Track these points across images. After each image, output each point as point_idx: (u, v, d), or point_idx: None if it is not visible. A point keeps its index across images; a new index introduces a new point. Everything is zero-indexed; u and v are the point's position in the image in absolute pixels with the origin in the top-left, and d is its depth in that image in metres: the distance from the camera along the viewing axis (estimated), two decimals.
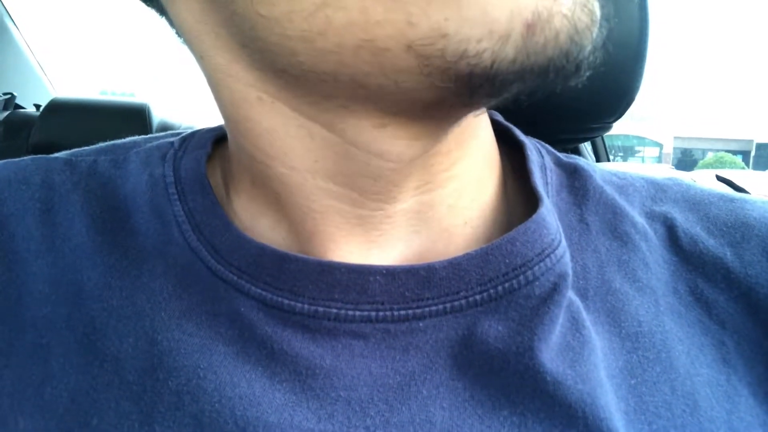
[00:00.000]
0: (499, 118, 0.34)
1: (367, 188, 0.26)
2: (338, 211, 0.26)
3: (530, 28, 0.20)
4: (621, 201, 0.31)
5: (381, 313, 0.25)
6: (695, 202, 0.32)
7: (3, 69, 1.49)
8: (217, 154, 0.32)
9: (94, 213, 0.29)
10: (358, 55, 0.21)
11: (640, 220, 0.31)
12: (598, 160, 1.15)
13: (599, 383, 0.25)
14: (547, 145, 0.34)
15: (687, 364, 0.27)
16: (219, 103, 0.27)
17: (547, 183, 0.31)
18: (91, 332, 0.26)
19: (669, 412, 0.26)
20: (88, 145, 0.34)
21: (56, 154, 0.32)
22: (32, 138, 1.19)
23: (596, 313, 0.28)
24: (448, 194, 0.28)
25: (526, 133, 0.34)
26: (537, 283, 0.26)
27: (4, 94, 1.40)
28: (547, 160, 0.33)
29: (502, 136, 0.33)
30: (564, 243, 0.27)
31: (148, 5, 0.28)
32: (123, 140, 0.34)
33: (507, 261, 0.26)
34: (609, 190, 0.32)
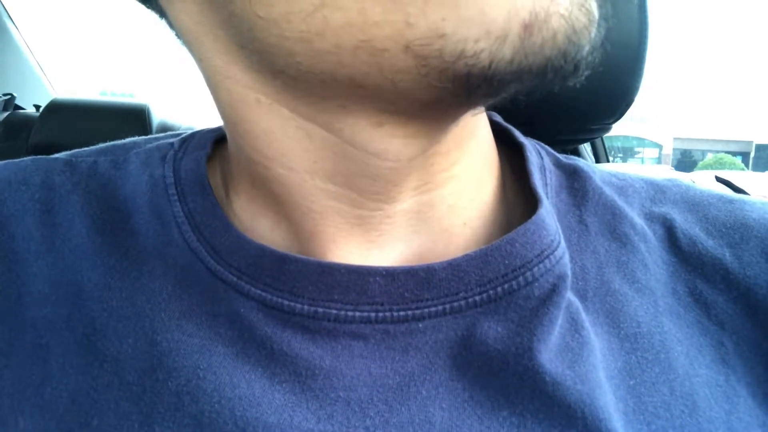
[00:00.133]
0: (499, 119, 0.34)
1: (366, 188, 0.26)
2: (338, 212, 0.26)
3: (527, 28, 0.20)
4: (620, 202, 0.31)
5: (380, 314, 0.26)
6: (694, 203, 0.32)
7: (2, 69, 1.49)
8: (217, 155, 0.32)
9: (94, 214, 0.29)
10: (356, 55, 0.21)
11: (640, 221, 0.31)
12: (597, 161, 1.15)
13: (598, 384, 0.25)
14: (546, 146, 0.34)
15: (686, 365, 0.27)
16: (218, 104, 0.27)
17: (546, 184, 0.31)
18: (91, 333, 0.26)
19: (668, 413, 0.26)
20: (88, 146, 0.34)
21: (56, 155, 0.32)
22: (32, 139, 1.18)
23: (595, 314, 0.28)
24: (447, 194, 0.28)
25: (526, 133, 0.34)
26: (536, 284, 0.26)
27: (4, 94, 1.40)
28: (547, 161, 0.33)
29: (502, 137, 0.33)
30: (563, 244, 0.27)
31: (147, 7, 0.28)
32: (123, 141, 0.34)
33: (506, 262, 0.26)
34: (608, 191, 0.32)
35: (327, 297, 0.26)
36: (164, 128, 1.22)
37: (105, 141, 0.34)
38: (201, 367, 0.25)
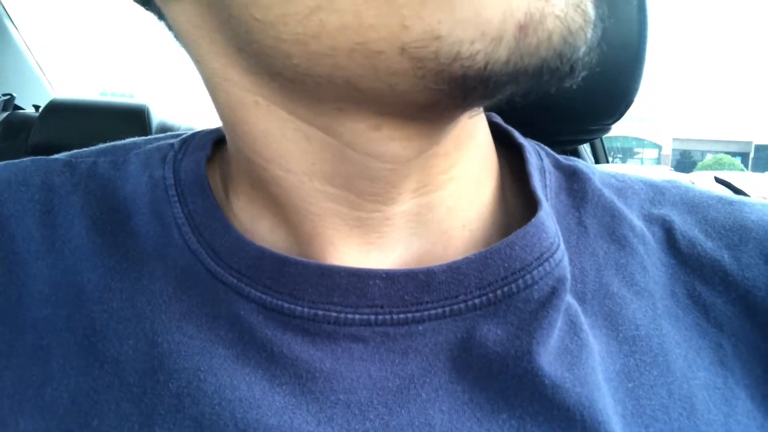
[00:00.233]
0: (498, 120, 0.34)
1: (365, 190, 0.26)
2: (336, 214, 0.26)
3: (522, 29, 0.20)
4: (619, 204, 0.31)
5: (380, 317, 0.26)
6: (693, 205, 0.32)
7: (2, 70, 1.49)
8: (217, 156, 0.32)
9: (94, 215, 0.29)
10: (352, 57, 0.21)
11: (639, 223, 0.31)
12: (597, 161, 1.15)
13: (597, 386, 0.25)
14: (546, 147, 0.34)
15: (684, 368, 0.27)
16: (216, 106, 0.27)
17: (545, 186, 0.31)
18: (91, 334, 0.26)
19: (666, 416, 0.26)
20: (87, 146, 0.34)
21: (56, 156, 0.32)
22: (31, 139, 1.18)
23: (594, 317, 0.28)
24: (446, 196, 0.28)
25: (525, 134, 0.34)
26: (536, 287, 0.26)
27: (3, 95, 1.39)
28: (546, 162, 0.33)
29: (501, 138, 0.33)
30: (562, 247, 0.27)
31: (146, 8, 0.28)
32: (123, 141, 0.34)
33: (506, 265, 0.26)
34: (608, 193, 0.32)
35: (327, 299, 0.26)
36: (164, 128, 1.22)
37: (104, 141, 0.34)
38: (201, 369, 0.25)
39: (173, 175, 0.30)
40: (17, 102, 1.44)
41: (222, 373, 0.25)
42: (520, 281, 0.26)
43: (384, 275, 0.26)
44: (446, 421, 0.25)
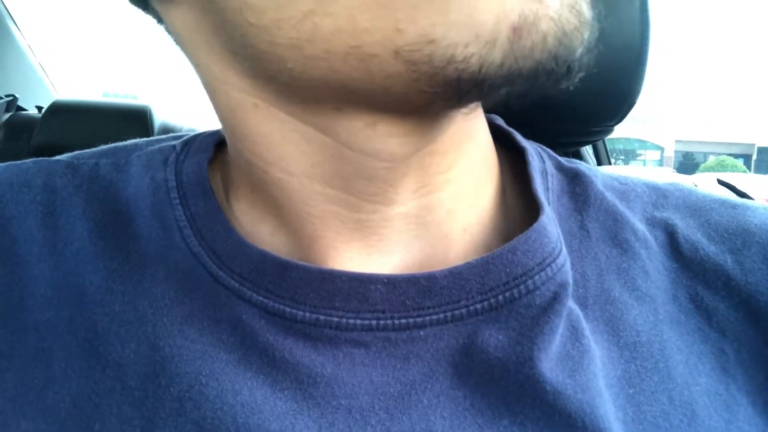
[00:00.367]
0: (500, 122, 0.34)
1: (363, 190, 0.26)
2: (337, 216, 0.26)
3: (516, 31, 0.20)
4: (622, 207, 0.31)
5: (382, 322, 0.25)
6: (696, 208, 0.32)
7: (5, 71, 1.49)
8: (218, 158, 0.32)
9: (95, 217, 0.29)
10: (346, 61, 0.21)
11: (641, 226, 0.31)
12: (599, 163, 1.15)
13: (598, 392, 0.25)
14: (548, 150, 0.34)
15: (685, 374, 0.27)
16: (216, 109, 0.27)
17: (548, 188, 0.31)
18: (93, 337, 0.26)
19: (667, 422, 0.25)
20: (90, 147, 0.34)
21: (58, 157, 0.32)
22: (34, 140, 1.19)
23: (595, 322, 0.28)
24: (446, 198, 0.28)
25: (527, 136, 0.33)
26: (537, 292, 0.26)
27: (6, 96, 1.40)
28: (549, 164, 0.32)
29: (503, 140, 0.33)
30: (564, 252, 0.27)
31: (145, 12, 0.28)
32: (124, 143, 0.34)
33: (508, 270, 0.26)
34: (610, 196, 0.32)
35: (328, 304, 0.26)
36: (166, 129, 1.22)
37: (107, 142, 0.34)
38: (203, 373, 0.25)
39: (175, 178, 0.30)
40: (20, 103, 1.44)
41: (223, 378, 0.25)
42: (522, 286, 0.26)
43: (385, 280, 0.26)
44: (447, 427, 0.24)
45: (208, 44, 0.25)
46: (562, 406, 0.24)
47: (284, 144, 0.25)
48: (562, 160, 0.34)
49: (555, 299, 0.26)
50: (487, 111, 0.34)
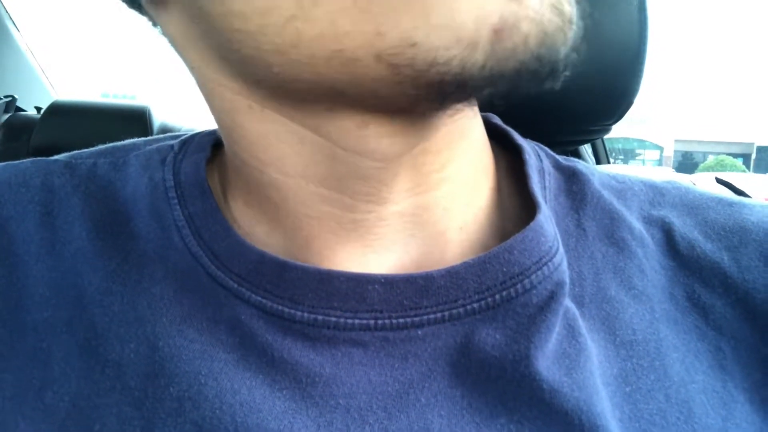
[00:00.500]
0: (497, 121, 0.34)
1: (358, 190, 0.26)
2: (332, 216, 0.27)
3: (497, 33, 0.19)
4: (619, 206, 0.31)
5: (380, 321, 0.26)
6: (693, 206, 0.32)
7: (4, 71, 1.49)
8: (216, 158, 0.32)
9: (94, 216, 0.29)
10: (330, 65, 0.21)
11: (638, 225, 0.31)
12: (598, 162, 1.15)
13: (595, 391, 0.25)
14: (545, 148, 0.34)
15: (682, 372, 0.27)
16: (212, 110, 0.27)
17: (545, 187, 0.31)
18: (92, 337, 0.26)
19: (663, 420, 0.25)
20: (89, 148, 0.34)
21: (56, 157, 0.32)
22: (33, 141, 1.18)
23: (592, 321, 0.28)
24: (441, 197, 0.28)
25: (524, 135, 0.33)
26: (534, 291, 0.26)
27: (5, 96, 1.40)
28: (546, 163, 0.32)
29: (500, 139, 0.33)
30: (561, 251, 0.27)
31: (141, 14, 0.28)
32: (123, 142, 0.34)
33: (504, 270, 0.26)
34: (607, 194, 0.32)
35: (326, 304, 0.26)
36: (165, 130, 1.22)
37: (106, 143, 0.34)
38: (202, 373, 0.25)
39: (173, 177, 0.30)
40: (19, 104, 1.44)
41: (222, 378, 0.25)
42: (519, 286, 0.26)
43: (383, 280, 0.26)
44: (445, 426, 0.25)
45: (199, 48, 0.25)
46: (559, 405, 0.24)
47: (279, 145, 0.25)
48: (560, 158, 0.34)
49: (552, 298, 0.26)
50: (484, 110, 0.34)
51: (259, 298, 0.26)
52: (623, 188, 0.33)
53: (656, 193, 0.33)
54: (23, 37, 1.56)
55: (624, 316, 0.28)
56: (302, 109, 0.24)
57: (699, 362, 0.27)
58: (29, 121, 1.30)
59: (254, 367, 0.25)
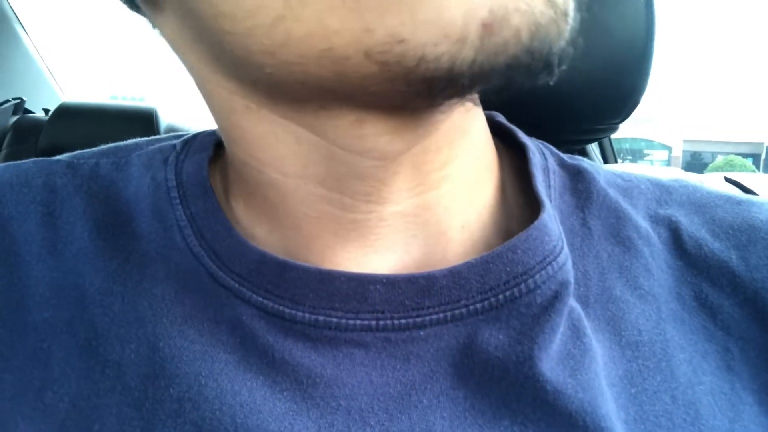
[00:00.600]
0: (502, 119, 0.34)
1: (357, 189, 0.26)
2: (332, 216, 0.26)
3: (487, 28, 0.19)
4: (625, 204, 0.31)
5: (381, 322, 0.25)
6: (701, 205, 0.31)
7: (12, 74, 1.50)
8: (218, 158, 0.32)
9: (96, 216, 0.29)
10: (321, 64, 0.21)
11: (644, 224, 0.30)
12: (606, 162, 1.14)
13: (600, 392, 0.25)
14: (551, 147, 0.34)
15: (689, 373, 0.26)
16: (211, 111, 0.27)
17: (549, 186, 0.30)
18: (92, 337, 0.26)
19: (670, 422, 0.25)
20: None
21: (58, 157, 0.32)
22: (41, 142, 1.19)
23: (597, 321, 0.27)
24: (442, 196, 0.27)
25: (530, 134, 0.33)
26: (538, 291, 0.25)
27: (14, 98, 1.41)
28: (551, 162, 0.32)
29: (504, 137, 0.33)
30: (566, 250, 0.27)
31: (142, 15, 0.28)
32: (125, 142, 0.34)
33: (508, 269, 0.26)
34: (613, 193, 0.31)
35: (328, 305, 0.25)
36: (172, 132, 1.22)
37: None
38: (202, 373, 0.25)
39: (175, 177, 0.30)
40: (27, 106, 1.45)
41: (223, 378, 0.25)
42: (522, 285, 0.25)
43: (384, 280, 0.25)
44: (447, 428, 0.24)
45: (195, 50, 0.25)
46: (563, 406, 0.24)
47: (277, 145, 0.25)
48: (565, 156, 0.33)
49: (556, 298, 0.26)
50: (489, 108, 0.33)
51: (260, 299, 0.26)
52: (629, 186, 0.32)
53: (663, 191, 0.32)
54: (31, 40, 1.57)
55: (630, 317, 0.27)
56: (298, 109, 0.24)
57: (707, 363, 0.27)
58: (37, 123, 1.30)
59: (255, 368, 0.25)
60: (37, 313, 0.27)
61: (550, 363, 0.25)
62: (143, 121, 1.19)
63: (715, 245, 0.29)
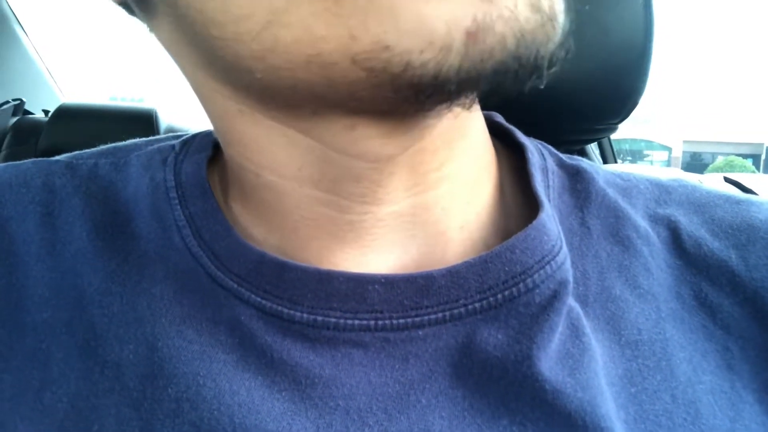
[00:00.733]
0: (500, 119, 0.34)
1: (352, 191, 0.26)
2: (329, 218, 0.26)
3: (471, 36, 0.19)
4: (624, 204, 0.31)
5: (380, 322, 0.25)
6: (700, 204, 0.31)
7: (12, 75, 1.50)
8: (217, 158, 0.32)
9: (94, 217, 0.29)
10: (309, 69, 0.21)
11: (643, 223, 0.30)
12: (605, 162, 1.14)
13: (600, 391, 0.25)
14: (549, 147, 0.34)
15: (688, 372, 0.26)
16: (207, 114, 0.27)
17: (548, 186, 0.30)
18: (91, 338, 0.26)
19: (670, 421, 0.25)
20: None
21: (57, 157, 0.32)
22: (40, 144, 1.19)
23: (596, 320, 0.27)
24: (440, 196, 0.27)
25: (529, 134, 0.33)
26: (537, 290, 0.25)
27: (13, 99, 1.41)
28: (550, 162, 0.32)
29: (503, 137, 0.33)
30: (565, 249, 0.27)
31: (139, 19, 0.28)
32: (124, 143, 0.34)
33: (506, 269, 0.26)
34: (611, 192, 0.31)
35: (326, 305, 0.25)
36: (171, 132, 1.22)
37: None
38: (201, 374, 0.25)
39: (174, 178, 0.30)
40: (27, 107, 1.45)
41: (221, 378, 0.25)
42: (521, 285, 0.25)
43: (383, 280, 0.25)
44: (446, 428, 0.24)
45: (189, 54, 0.25)
46: (562, 406, 0.24)
47: (272, 148, 0.25)
48: (564, 156, 0.33)
49: (555, 297, 0.26)
50: (488, 108, 0.34)
51: (259, 299, 0.26)
52: (628, 186, 0.33)
53: (662, 191, 0.32)
54: (31, 41, 1.57)
55: (629, 316, 0.27)
56: (290, 113, 0.24)
57: (706, 362, 0.27)
58: (37, 124, 1.31)
59: (253, 368, 0.25)
60: (36, 313, 0.27)
61: (549, 362, 0.25)
62: (143, 122, 1.19)
63: (714, 244, 0.29)
